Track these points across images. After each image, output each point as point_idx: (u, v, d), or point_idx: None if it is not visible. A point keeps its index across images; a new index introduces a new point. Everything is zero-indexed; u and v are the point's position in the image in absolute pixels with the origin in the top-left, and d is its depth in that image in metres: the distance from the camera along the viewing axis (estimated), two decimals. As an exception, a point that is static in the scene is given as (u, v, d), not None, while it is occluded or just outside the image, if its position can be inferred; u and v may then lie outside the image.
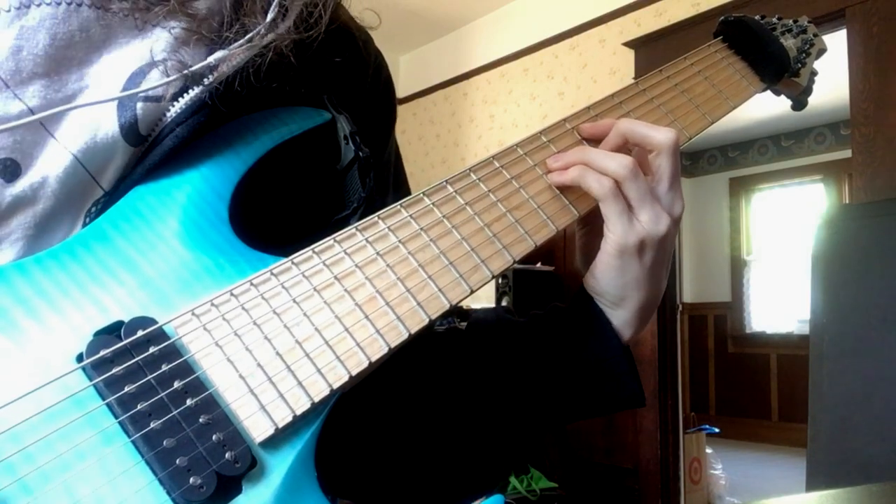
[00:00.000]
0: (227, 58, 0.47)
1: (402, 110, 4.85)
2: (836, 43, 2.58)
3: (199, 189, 0.46)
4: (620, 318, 0.55)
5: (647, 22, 3.40)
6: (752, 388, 5.80)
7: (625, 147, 0.56)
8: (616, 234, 0.52)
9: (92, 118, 0.45)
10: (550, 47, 3.90)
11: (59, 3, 0.44)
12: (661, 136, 0.53)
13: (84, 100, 0.45)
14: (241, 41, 0.47)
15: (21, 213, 0.43)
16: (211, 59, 0.46)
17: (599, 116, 0.58)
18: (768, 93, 0.75)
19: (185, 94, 0.47)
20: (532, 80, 4.01)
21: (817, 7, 2.73)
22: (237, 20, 0.48)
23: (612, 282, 0.53)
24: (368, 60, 0.63)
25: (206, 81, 0.47)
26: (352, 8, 0.62)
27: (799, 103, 0.77)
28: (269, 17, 0.48)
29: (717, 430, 4.26)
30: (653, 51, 3.31)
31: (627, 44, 3.41)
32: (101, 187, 0.46)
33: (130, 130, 0.46)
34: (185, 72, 0.46)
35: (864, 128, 2.56)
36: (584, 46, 3.73)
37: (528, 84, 4.03)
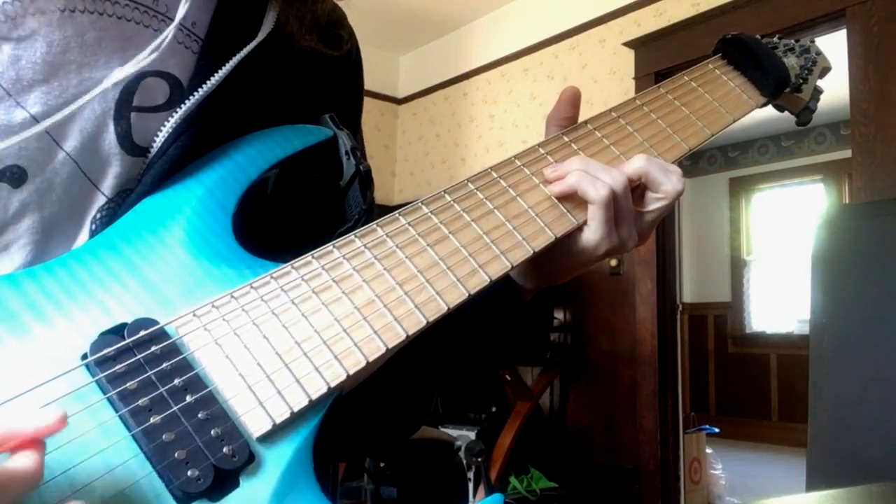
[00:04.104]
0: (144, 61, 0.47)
1: (402, 110, 4.85)
2: (836, 43, 2.58)
3: (204, 201, 0.48)
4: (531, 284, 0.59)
5: (647, 22, 3.40)
6: (752, 388, 5.80)
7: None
8: (595, 239, 0.54)
9: (93, 127, 0.46)
10: (550, 47, 3.91)
11: (52, 11, 0.45)
12: (671, 186, 0.56)
13: (85, 104, 0.46)
14: (151, 48, 0.47)
15: (28, 217, 0.45)
16: (126, 67, 0.47)
17: (597, 130, 0.60)
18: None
19: (182, 105, 0.49)
20: (532, 80, 4.01)
21: (817, 7, 2.73)
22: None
23: (560, 277, 0.57)
24: (350, 58, 0.64)
25: (199, 92, 0.49)
26: (350, 9, 0.63)
27: (802, 119, 0.77)
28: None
29: (717, 430, 4.26)
30: (653, 51, 3.31)
31: (627, 44, 3.41)
32: (103, 194, 0.47)
33: (126, 139, 0.47)
34: (107, 86, 0.46)
35: (864, 128, 2.56)
36: (584, 46, 3.73)
37: (528, 84, 4.03)
